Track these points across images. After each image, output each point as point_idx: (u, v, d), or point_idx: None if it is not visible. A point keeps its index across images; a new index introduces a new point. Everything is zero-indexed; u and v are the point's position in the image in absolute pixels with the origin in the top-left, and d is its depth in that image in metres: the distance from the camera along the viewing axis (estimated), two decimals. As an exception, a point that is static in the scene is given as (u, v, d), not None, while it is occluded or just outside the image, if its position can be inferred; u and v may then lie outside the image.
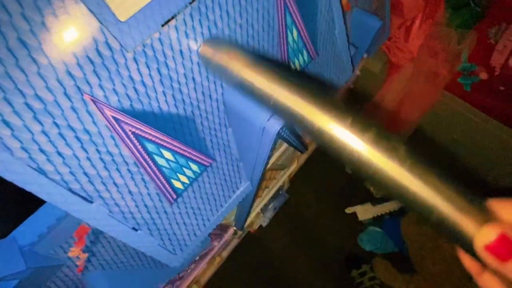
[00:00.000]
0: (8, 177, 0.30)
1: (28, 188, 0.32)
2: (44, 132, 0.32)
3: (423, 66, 1.25)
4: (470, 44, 1.19)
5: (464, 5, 1.23)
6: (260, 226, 1.08)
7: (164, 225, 0.52)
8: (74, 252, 0.55)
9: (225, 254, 0.97)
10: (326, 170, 1.63)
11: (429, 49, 1.23)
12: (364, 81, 1.17)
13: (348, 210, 1.69)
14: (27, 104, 0.29)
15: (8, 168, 0.30)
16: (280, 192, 1.07)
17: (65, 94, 0.32)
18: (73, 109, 0.33)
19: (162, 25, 0.35)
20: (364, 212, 1.72)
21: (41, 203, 0.41)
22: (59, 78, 0.31)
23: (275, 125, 0.46)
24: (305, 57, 0.60)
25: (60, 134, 0.33)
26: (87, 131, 0.35)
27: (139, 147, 0.41)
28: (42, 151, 0.32)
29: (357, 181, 1.84)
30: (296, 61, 0.58)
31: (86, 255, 0.56)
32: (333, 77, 0.69)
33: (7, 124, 0.29)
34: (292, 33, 0.54)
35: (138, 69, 0.36)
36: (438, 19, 1.17)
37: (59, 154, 0.34)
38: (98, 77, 0.33)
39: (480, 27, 1.21)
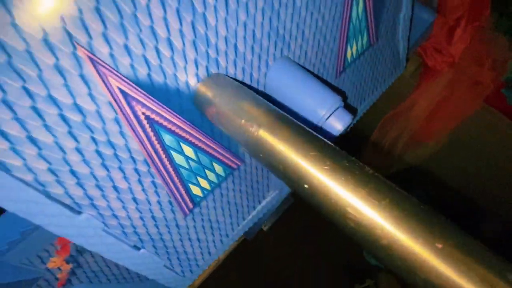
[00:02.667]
0: None
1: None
2: (4, 102, 0.19)
3: (465, 73, 1.12)
4: (519, 53, 1.07)
5: (511, 11, 1.12)
6: (261, 230, 0.97)
7: (174, 242, 0.39)
8: (55, 262, 0.43)
9: (222, 256, 0.86)
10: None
11: (473, 55, 1.10)
12: (392, 84, 1.05)
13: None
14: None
15: None
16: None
17: (45, 42, 0.19)
18: (57, 68, 0.20)
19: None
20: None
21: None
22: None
23: (339, 122, 0.33)
24: (365, 41, 0.47)
25: (34, 109, 0.21)
26: (78, 108, 0.23)
27: (153, 137, 0.29)
28: (3, 134, 0.20)
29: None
30: (354, 45, 0.46)
31: (70, 266, 0.45)
32: (386, 71, 0.57)
33: None
34: (357, 6, 0.41)
35: (165, 18, 0.23)
36: (485, 23, 1.05)
37: (32, 140, 0.21)
38: (103, 22, 0.20)
39: (532, 35, 1.09)
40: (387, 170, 1.36)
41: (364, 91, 0.54)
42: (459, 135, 1.18)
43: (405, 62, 0.61)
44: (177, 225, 0.38)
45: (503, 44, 1.06)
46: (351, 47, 0.46)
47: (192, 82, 0.29)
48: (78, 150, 0.24)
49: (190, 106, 0.30)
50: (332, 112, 0.34)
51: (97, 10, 0.20)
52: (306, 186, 0.21)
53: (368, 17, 0.44)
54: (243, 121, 0.24)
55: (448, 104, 1.11)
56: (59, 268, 0.44)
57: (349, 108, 0.44)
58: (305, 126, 0.24)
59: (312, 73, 0.42)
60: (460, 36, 1.07)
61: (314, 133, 0.23)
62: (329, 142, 0.23)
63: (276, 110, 0.25)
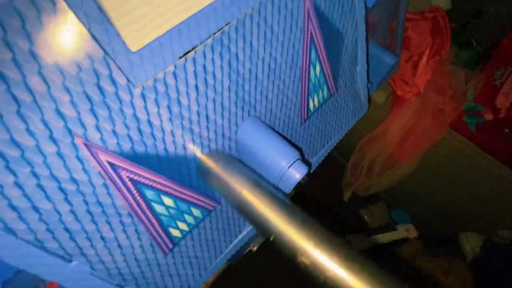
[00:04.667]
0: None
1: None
2: (17, 184, 0.25)
3: (430, 102, 1.23)
4: (477, 84, 1.19)
5: (468, 44, 1.25)
6: (249, 251, 0.98)
7: (155, 279, 0.44)
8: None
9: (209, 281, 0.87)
10: (322, 197, 1.58)
11: (436, 86, 1.22)
12: (367, 111, 1.14)
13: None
14: None
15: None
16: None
17: (51, 138, 0.25)
18: (59, 155, 0.26)
19: (180, 57, 0.30)
20: (359, 241, 1.66)
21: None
22: (44, 118, 0.24)
23: (297, 172, 0.40)
24: (325, 93, 0.55)
25: (39, 186, 0.26)
26: (74, 180, 0.28)
27: (136, 195, 0.34)
28: (12, 207, 0.25)
29: (352, 209, 1.78)
30: (316, 97, 0.53)
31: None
32: (349, 113, 0.65)
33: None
34: (315, 69, 0.49)
35: (145, 107, 0.30)
36: (445, 57, 1.17)
37: (35, 209, 0.27)
38: (96, 117, 0.27)
39: (486, 69, 1.22)
40: (367, 191, 1.44)
41: (330, 132, 0.61)
42: (430, 158, 1.27)
43: (367, 104, 0.69)
44: (158, 264, 0.42)
45: (461, 75, 1.18)
46: (313, 100, 0.53)
47: (171, 148, 0.35)
48: (72, 212, 0.30)
49: (167, 164, 0.36)
50: (291, 164, 0.40)
51: (92, 111, 0.26)
52: (271, 237, 0.28)
53: (325, 75, 0.52)
54: (230, 183, 0.31)
55: (417, 130, 1.21)
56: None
57: (306, 161, 0.51)
58: (274, 189, 0.31)
59: (278, 125, 0.49)
60: (423, 69, 1.18)
61: (282, 194, 0.31)
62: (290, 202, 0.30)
63: (256, 176, 0.32)
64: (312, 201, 1.58)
